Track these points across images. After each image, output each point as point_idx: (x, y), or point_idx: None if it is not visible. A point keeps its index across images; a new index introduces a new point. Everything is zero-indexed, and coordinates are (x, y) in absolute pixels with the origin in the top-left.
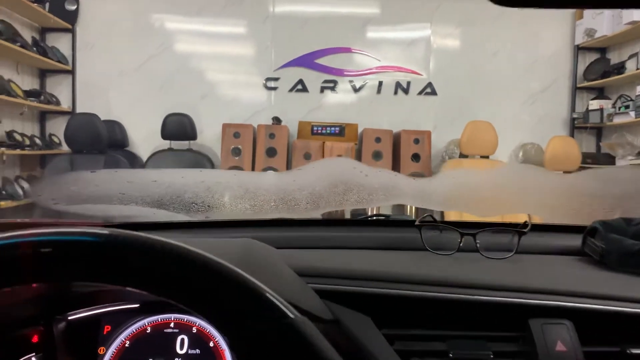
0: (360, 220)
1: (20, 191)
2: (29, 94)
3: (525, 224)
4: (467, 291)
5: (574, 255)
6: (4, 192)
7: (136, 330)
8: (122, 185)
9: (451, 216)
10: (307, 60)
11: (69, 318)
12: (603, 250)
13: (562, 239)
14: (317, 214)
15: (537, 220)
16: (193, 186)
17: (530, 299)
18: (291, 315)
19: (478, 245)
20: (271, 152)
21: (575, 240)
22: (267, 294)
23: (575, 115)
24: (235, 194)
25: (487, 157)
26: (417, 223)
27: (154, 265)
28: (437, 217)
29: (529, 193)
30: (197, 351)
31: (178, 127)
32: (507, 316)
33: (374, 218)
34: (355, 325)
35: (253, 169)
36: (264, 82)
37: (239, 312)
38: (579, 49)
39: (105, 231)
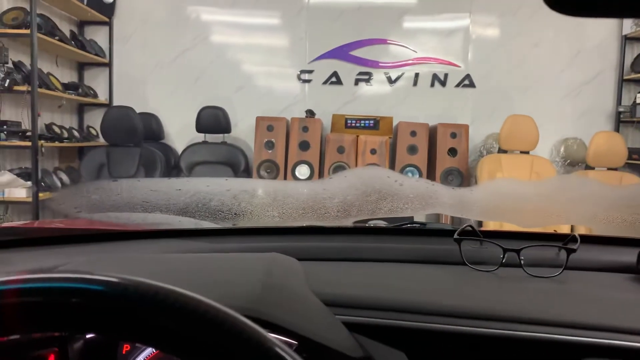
0: (393, 229)
1: (58, 183)
2: (67, 86)
3: (574, 238)
4: (513, 326)
5: (628, 272)
6: (43, 184)
7: (156, 350)
8: (145, 193)
9: (490, 225)
10: (341, 52)
11: (87, 337)
12: None
13: (614, 254)
14: (348, 222)
15: (582, 230)
16: (219, 194)
17: (584, 335)
18: None
19: (522, 261)
20: (304, 146)
21: (628, 255)
22: (286, 356)
23: (621, 109)
24: (263, 202)
25: (527, 152)
26: (456, 236)
27: (157, 321)
28: (475, 224)
29: (576, 203)
30: None
31: (212, 120)
32: (557, 354)
33: (409, 226)
34: None
35: (286, 162)
36: (298, 74)
37: None
38: (626, 39)
39: (113, 279)
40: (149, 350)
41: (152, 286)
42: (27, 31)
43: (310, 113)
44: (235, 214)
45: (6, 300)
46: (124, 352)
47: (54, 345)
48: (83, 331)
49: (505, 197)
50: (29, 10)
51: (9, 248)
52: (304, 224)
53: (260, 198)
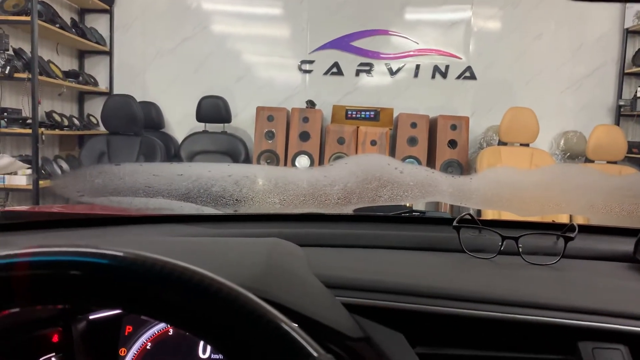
0: (393, 217)
1: (58, 171)
2: (67, 74)
3: (572, 227)
4: (509, 309)
5: (624, 261)
6: (43, 172)
7: (158, 332)
8: (147, 178)
9: (489, 214)
10: (343, 43)
11: (90, 318)
12: None
13: (611, 243)
14: (348, 210)
15: (580, 220)
16: (220, 180)
17: (580, 319)
18: (314, 354)
19: (520, 249)
20: (304, 136)
21: (625, 245)
22: (290, 330)
23: (621, 103)
24: (264, 188)
25: (527, 145)
26: (455, 224)
27: (163, 294)
28: (474, 213)
29: (575, 193)
30: (220, 356)
31: (213, 110)
32: (553, 337)
33: (409, 215)
34: (386, 343)
35: (286, 152)
36: (299, 64)
37: (256, 350)
38: (628, 33)
39: (119, 253)
40: (151, 332)
41: (158, 260)
42: (28, 18)
43: (311, 104)
44: (236, 200)
45: (16, 272)
46: (126, 334)
47: (58, 324)
48: (90, 304)
49: (504, 185)
50: None
51: (10, 231)
52: (305, 210)
53: (262, 184)
